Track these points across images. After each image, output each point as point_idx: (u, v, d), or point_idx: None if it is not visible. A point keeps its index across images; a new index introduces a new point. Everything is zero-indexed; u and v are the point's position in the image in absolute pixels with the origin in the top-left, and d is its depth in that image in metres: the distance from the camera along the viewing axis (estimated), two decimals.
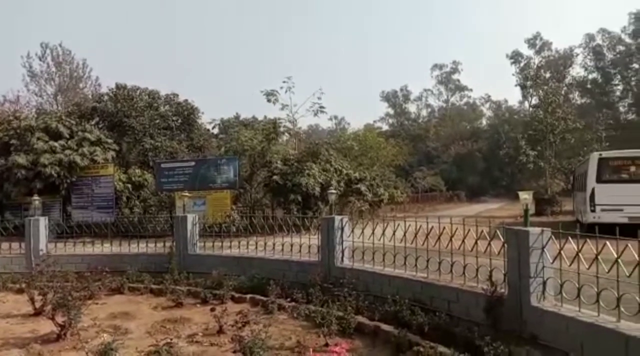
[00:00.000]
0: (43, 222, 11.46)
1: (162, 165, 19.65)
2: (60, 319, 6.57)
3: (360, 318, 6.56)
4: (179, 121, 27.28)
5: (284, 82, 26.71)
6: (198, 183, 18.43)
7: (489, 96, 78.04)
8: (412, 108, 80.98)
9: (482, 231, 6.29)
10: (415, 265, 7.11)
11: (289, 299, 7.72)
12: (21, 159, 18.16)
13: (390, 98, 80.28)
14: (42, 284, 7.76)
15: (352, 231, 8.64)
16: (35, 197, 13.61)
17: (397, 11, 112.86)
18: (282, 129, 23.45)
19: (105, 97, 26.45)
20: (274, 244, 9.61)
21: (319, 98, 27.28)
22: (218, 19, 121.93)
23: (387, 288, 7.26)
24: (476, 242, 6.28)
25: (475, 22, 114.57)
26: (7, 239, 11.77)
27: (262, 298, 8.04)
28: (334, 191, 11.09)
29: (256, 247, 9.86)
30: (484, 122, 76.17)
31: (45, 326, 6.91)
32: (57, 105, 34.41)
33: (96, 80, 37.11)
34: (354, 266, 8.18)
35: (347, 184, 22.74)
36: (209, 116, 64.35)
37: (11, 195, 18.77)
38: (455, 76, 77.63)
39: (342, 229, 8.51)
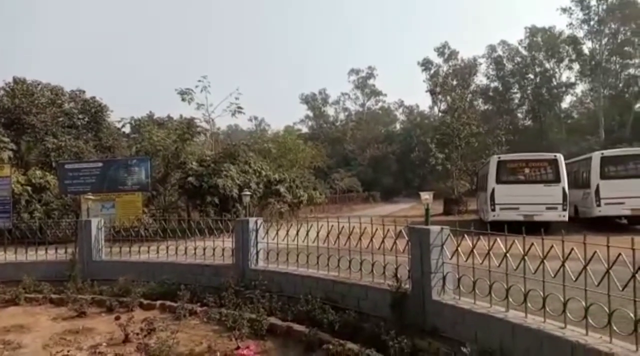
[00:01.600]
0: None
1: (66, 166, 18.41)
2: None
3: (272, 320, 6.57)
4: (86, 119, 25.84)
5: (199, 81, 26.08)
6: (106, 185, 17.48)
7: (402, 101, 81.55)
8: (330, 111, 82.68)
9: (388, 230, 6.56)
10: (327, 264, 7.26)
11: (200, 304, 7.55)
12: None
13: (309, 101, 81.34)
14: None
15: (267, 232, 8.65)
16: None
17: (315, 14, 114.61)
18: (198, 129, 22.90)
19: (1, 92, 24.38)
20: (185, 248, 9.36)
21: (237, 98, 27.00)
22: (133, 14, 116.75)
23: (300, 288, 7.35)
24: (383, 241, 6.54)
25: (389, 29, 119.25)
26: None
27: (172, 304, 7.77)
28: (248, 193, 11.05)
29: (167, 252, 9.54)
30: (398, 126, 79.39)
31: None
32: None
33: None
34: (268, 267, 8.20)
35: (267, 186, 22.65)
36: (120, 114, 61.29)
37: None
38: (370, 81, 79.89)
39: (257, 231, 8.50)
